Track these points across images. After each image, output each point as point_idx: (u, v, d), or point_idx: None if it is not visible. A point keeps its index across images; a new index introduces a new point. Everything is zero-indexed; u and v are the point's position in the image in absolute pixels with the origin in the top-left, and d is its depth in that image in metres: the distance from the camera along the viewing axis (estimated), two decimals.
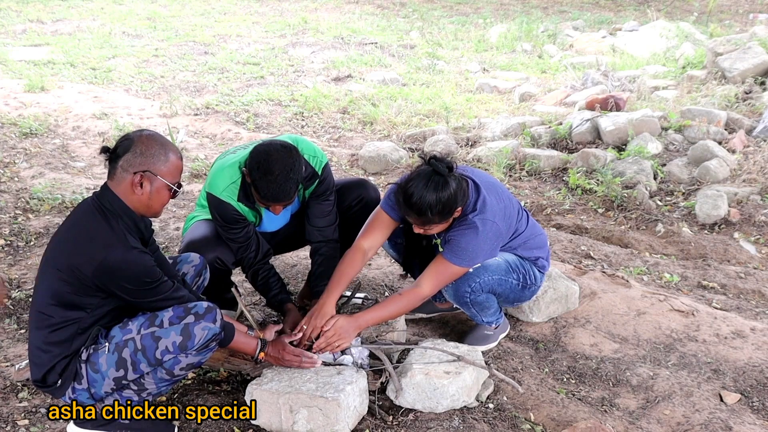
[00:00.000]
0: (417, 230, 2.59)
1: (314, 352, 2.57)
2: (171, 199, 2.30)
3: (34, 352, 2.23)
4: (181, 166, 2.28)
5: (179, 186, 2.29)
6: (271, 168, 2.53)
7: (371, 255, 2.79)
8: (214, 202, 2.73)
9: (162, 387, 2.26)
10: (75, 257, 2.14)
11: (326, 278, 2.82)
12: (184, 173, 5.07)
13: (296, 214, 2.99)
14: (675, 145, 5.43)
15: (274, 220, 2.93)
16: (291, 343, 2.58)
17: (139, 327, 2.19)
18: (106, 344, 2.19)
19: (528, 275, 2.88)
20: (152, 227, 2.42)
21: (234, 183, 2.70)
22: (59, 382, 2.22)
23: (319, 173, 2.82)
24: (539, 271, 2.92)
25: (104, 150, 2.24)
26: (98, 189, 2.26)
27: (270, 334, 2.65)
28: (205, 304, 2.24)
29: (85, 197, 2.31)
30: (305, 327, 2.60)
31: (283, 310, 2.85)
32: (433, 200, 2.44)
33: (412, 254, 2.98)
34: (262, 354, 2.47)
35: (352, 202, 3.00)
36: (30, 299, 3.14)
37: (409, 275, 3.15)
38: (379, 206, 2.78)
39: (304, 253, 3.23)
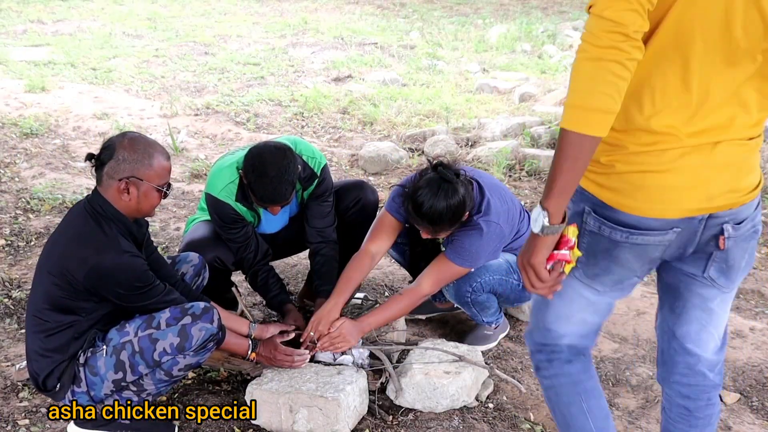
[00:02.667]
0: (425, 236, 2.60)
1: (316, 351, 2.58)
2: (162, 199, 2.29)
3: (33, 356, 2.23)
4: (168, 166, 2.27)
5: (168, 187, 2.28)
6: (266, 170, 2.54)
7: (378, 259, 2.78)
8: (212, 203, 2.74)
9: (161, 387, 2.27)
10: (67, 261, 2.14)
11: (327, 279, 2.82)
12: (184, 174, 5.07)
13: (295, 218, 2.99)
14: None
15: (272, 221, 2.93)
16: (283, 342, 2.59)
17: (137, 329, 2.19)
18: (104, 347, 2.19)
19: None
20: (147, 228, 2.41)
21: (232, 183, 2.71)
22: (58, 386, 2.22)
23: (318, 174, 2.82)
24: None
25: (89, 157, 2.23)
26: (91, 193, 2.26)
27: (270, 331, 2.65)
28: (201, 304, 2.24)
29: (79, 200, 2.30)
30: (311, 333, 2.60)
31: (282, 311, 2.85)
32: (444, 209, 2.45)
33: (418, 257, 2.97)
34: (253, 354, 2.48)
35: (349, 204, 3.00)
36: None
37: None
38: (384, 209, 2.78)
39: (305, 253, 3.23)
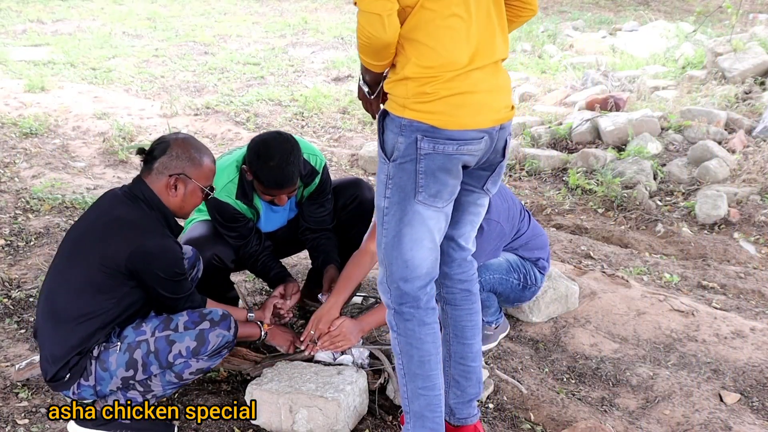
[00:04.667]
0: None
1: (317, 351, 2.58)
2: (204, 201, 2.37)
3: (52, 348, 2.21)
4: (215, 169, 2.36)
5: (212, 189, 2.36)
6: (271, 154, 2.55)
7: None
8: (212, 202, 2.74)
9: (168, 389, 2.27)
10: (109, 244, 2.16)
11: (331, 253, 2.87)
12: None
13: (294, 220, 2.99)
14: (675, 145, 5.43)
15: (271, 220, 2.93)
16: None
17: (154, 329, 2.20)
18: (118, 343, 2.20)
19: (529, 275, 2.88)
20: (181, 230, 2.45)
21: (231, 182, 2.71)
22: (68, 376, 2.22)
23: (319, 171, 2.83)
24: (540, 272, 2.92)
25: (140, 151, 2.31)
26: (132, 182, 2.30)
27: (267, 308, 2.71)
28: (220, 311, 2.28)
29: (110, 190, 2.33)
30: (312, 332, 2.60)
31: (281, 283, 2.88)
32: None
33: None
34: (266, 325, 2.58)
35: (346, 201, 3.00)
36: (30, 299, 3.14)
37: None
38: None
39: (305, 253, 3.23)
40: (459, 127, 1.88)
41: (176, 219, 2.37)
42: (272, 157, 2.55)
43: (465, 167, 1.98)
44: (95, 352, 2.21)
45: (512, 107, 2.03)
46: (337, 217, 2.98)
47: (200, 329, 2.19)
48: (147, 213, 2.23)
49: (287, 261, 3.66)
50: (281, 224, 2.99)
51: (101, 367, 2.20)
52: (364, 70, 2.02)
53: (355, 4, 1.86)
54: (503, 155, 2.06)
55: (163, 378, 2.22)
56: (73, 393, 2.25)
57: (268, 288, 3.39)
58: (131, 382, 2.22)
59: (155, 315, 2.26)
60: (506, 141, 2.03)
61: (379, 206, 2.01)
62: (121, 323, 2.24)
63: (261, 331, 2.56)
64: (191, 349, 2.18)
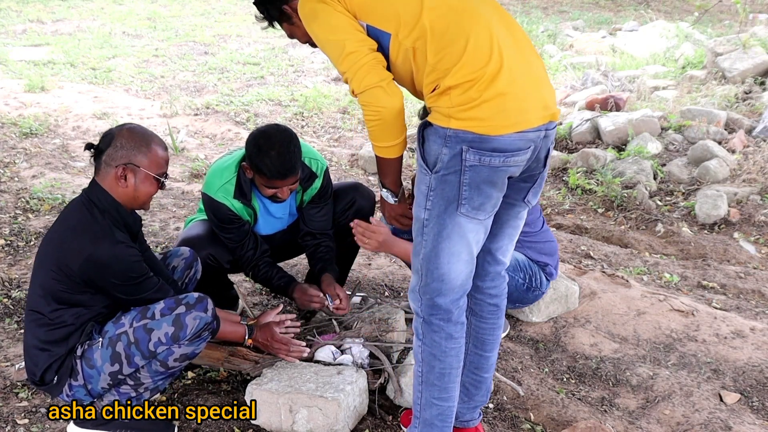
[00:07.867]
0: None
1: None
2: (160, 190, 2.30)
3: (32, 351, 2.23)
4: (166, 156, 2.29)
5: (165, 176, 2.29)
6: (272, 142, 2.56)
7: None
8: (208, 202, 2.74)
9: (158, 381, 2.26)
10: (62, 253, 2.15)
11: (329, 262, 2.87)
12: (184, 173, 5.07)
13: (294, 224, 2.99)
14: (675, 145, 5.43)
15: (270, 223, 2.93)
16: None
17: (132, 320, 2.19)
18: (100, 339, 2.20)
19: (534, 278, 2.88)
20: (141, 222, 2.41)
21: (229, 181, 2.71)
22: (56, 379, 2.22)
23: (318, 174, 2.83)
24: (546, 277, 2.92)
25: (88, 146, 2.26)
26: (88, 185, 2.27)
27: (267, 318, 2.66)
28: (195, 294, 2.25)
29: (77, 196, 2.31)
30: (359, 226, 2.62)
31: (289, 291, 2.84)
32: None
33: None
34: (250, 341, 2.49)
35: (345, 206, 2.99)
36: None
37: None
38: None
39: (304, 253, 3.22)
40: (506, 131, 1.81)
41: (135, 213, 2.32)
42: (273, 147, 2.55)
43: (509, 178, 1.93)
44: (79, 351, 2.21)
45: (555, 108, 1.96)
46: (335, 222, 2.97)
47: (176, 314, 2.17)
48: (98, 219, 2.18)
49: (287, 261, 3.66)
50: (282, 227, 2.99)
51: (87, 365, 2.20)
52: (383, 169, 2.09)
53: (354, 94, 1.92)
54: (544, 165, 2.00)
55: (150, 368, 2.22)
56: (67, 395, 2.25)
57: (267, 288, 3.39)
58: (120, 376, 2.21)
59: (134, 307, 2.25)
60: (548, 150, 1.97)
61: (418, 217, 1.96)
62: (100, 321, 2.24)
63: (246, 335, 2.50)
64: (170, 335, 2.16)
